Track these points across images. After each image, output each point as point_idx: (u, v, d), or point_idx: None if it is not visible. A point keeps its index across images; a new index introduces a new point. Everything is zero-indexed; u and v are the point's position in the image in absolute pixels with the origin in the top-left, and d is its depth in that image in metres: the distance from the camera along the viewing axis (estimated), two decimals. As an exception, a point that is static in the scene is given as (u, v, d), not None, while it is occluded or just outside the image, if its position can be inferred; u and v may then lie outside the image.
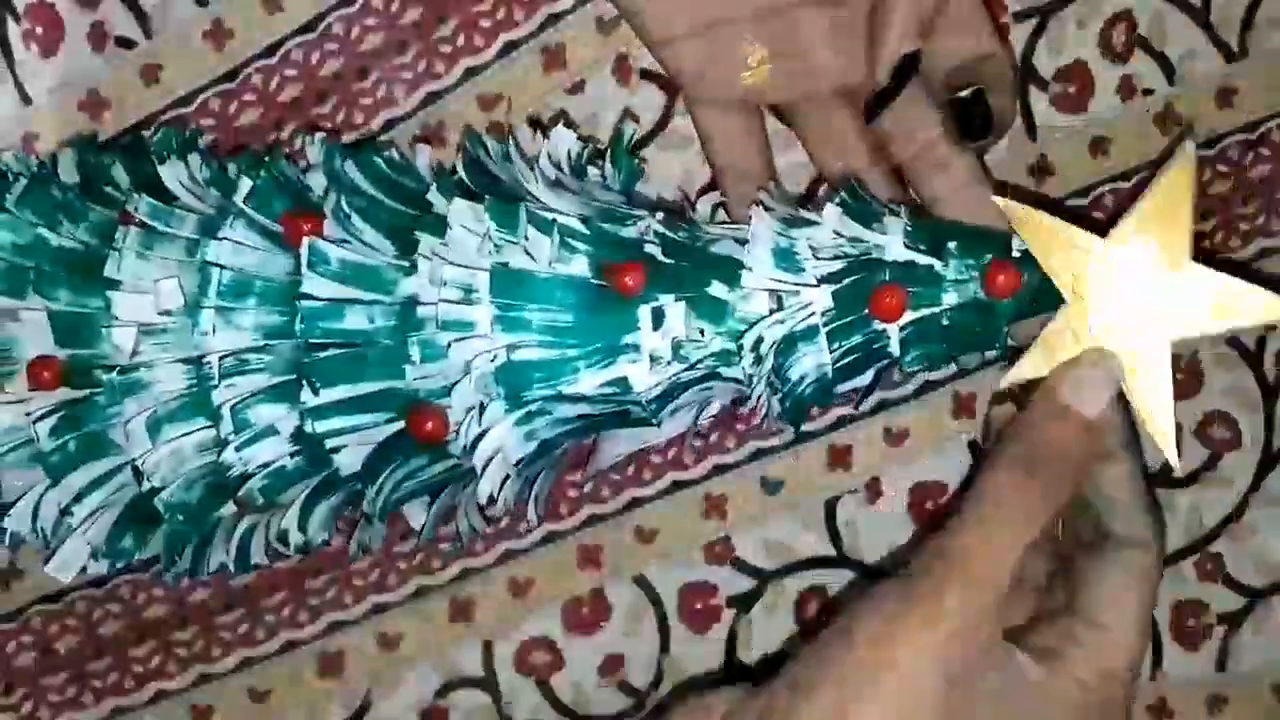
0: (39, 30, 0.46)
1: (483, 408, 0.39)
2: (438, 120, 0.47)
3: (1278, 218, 0.49)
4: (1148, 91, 0.48)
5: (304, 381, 0.39)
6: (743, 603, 0.49)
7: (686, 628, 0.49)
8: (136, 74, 0.46)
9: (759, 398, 0.40)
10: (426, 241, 0.39)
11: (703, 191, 0.47)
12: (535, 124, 0.47)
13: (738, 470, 0.49)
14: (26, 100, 0.46)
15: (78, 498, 0.41)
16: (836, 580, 0.49)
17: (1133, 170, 0.48)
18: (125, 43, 0.46)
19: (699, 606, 0.49)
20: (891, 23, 0.40)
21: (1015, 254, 0.38)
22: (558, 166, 0.43)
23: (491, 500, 0.40)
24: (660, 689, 0.50)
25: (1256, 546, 0.50)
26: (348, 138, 0.47)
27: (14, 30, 0.46)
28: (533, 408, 0.39)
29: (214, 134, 0.46)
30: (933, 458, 0.49)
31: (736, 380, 0.40)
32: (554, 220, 0.39)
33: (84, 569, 0.42)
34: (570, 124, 0.47)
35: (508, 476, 0.40)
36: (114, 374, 0.40)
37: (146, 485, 0.40)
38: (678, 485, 0.49)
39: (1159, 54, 0.48)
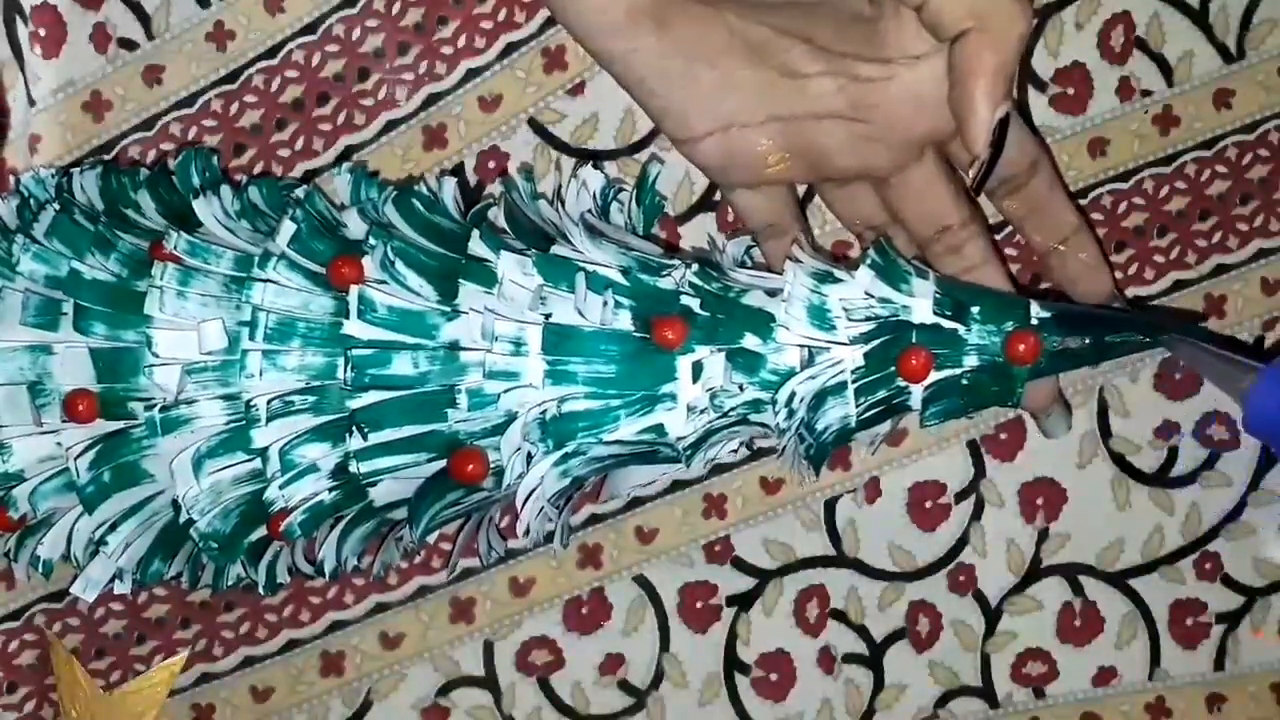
0: (42, 32, 0.46)
1: (529, 456, 0.40)
2: (438, 122, 0.47)
3: (1276, 219, 0.49)
4: (1146, 92, 0.48)
5: (354, 427, 0.40)
6: (743, 602, 0.50)
7: (686, 627, 0.50)
8: (138, 75, 0.46)
9: (786, 446, 0.41)
10: (468, 288, 0.40)
11: (703, 200, 0.48)
12: (537, 127, 0.47)
13: (738, 470, 0.49)
14: (30, 101, 0.46)
15: (112, 526, 0.42)
16: (836, 580, 0.50)
17: (1131, 171, 0.48)
18: (127, 44, 0.46)
19: (699, 606, 0.50)
20: (976, 94, 0.38)
21: (1035, 321, 0.40)
22: (588, 210, 0.44)
23: (526, 532, 0.41)
24: (660, 689, 0.50)
25: (1255, 546, 0.50)
26: (349, 139, 0.47)
27: (23, 32, 0.46)
28: (570, 449, 0.40)
29: (216, 135, 0.47)
30: (932, 458, 0.49)
31: (763, 425, 0.41)
32: (607, 280, 0.40)
33: (110, 588, 0.43)
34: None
35: (541, 510, 0.41)
36: (155, 411, 0.40)
37: (184, 518, 0.41)
38: (678, 485, 0.49)
39: (1157, 55, 0.48)
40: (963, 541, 0.50)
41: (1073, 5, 0.47)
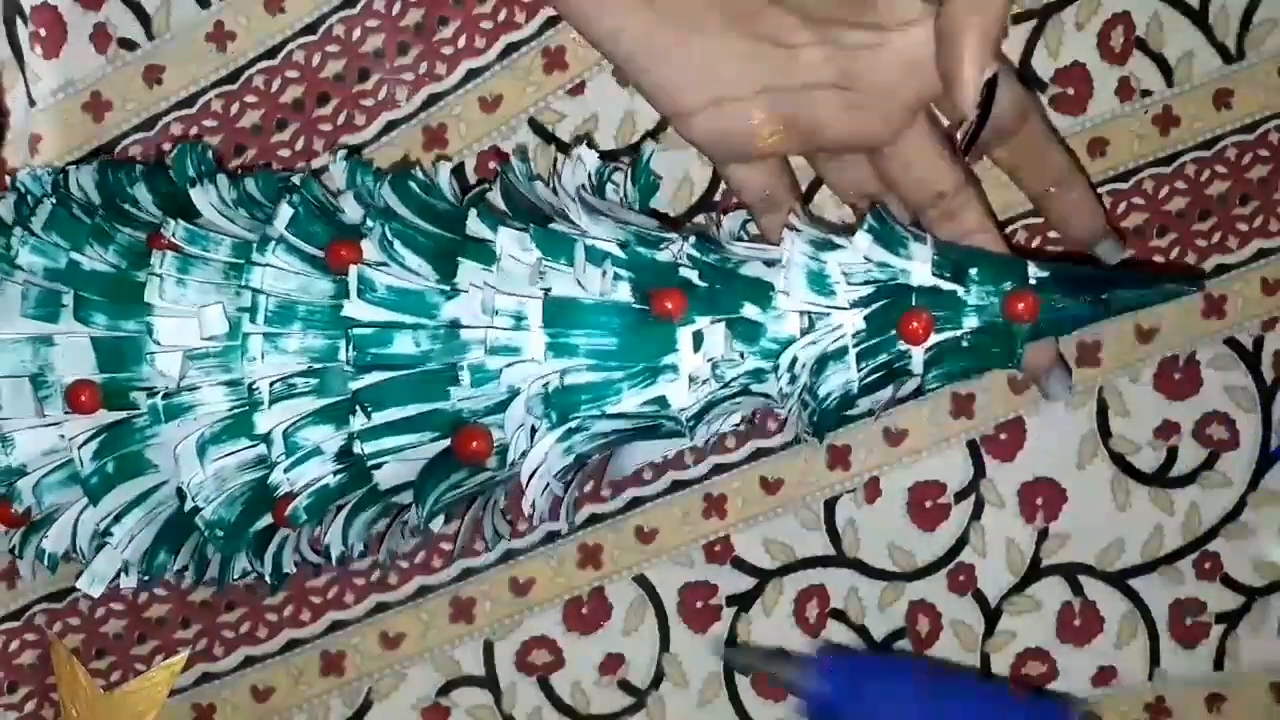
0: (42, 32, 0.46)
1: (533, 430, 0.40)
2: (439, 122, 0.47)
3: (1276, 219, 0.49)
4: (1146, 92, 0.48)
5: (357, 407, 0.40)
6: (743, 602, 0.50)
7: (686, 627, 0.50)
8: (139, 75, 0.46)
9: (790, 413, 0.41)
10: (468, 266, 0.40)
11: (703, 200, 0.48)
12: (537, 127, 0.47)
13: (738, 470, 0.49)
14: (30, 101, 0.46)
15: (117, 518, 0.42)
16: (836, 580, 0.50)
17: (1131, 171, 0.48)
18: (128, 44, 0.46)
19: (699, 606, 0.50)
20: (964, 56, 0.39)
21: (1033, 281, 0.40)
22: (583, 187, 0.44)
23: (531, 508, 0.41)
24: (660, 688, 0.50)
25: (1254, 546, 0.50)
26: (349, 139, 0.47)
27: (23, 32, 0.46)
28: (574, 424, 0.40)
29: (216, 135, 0.47)
30: (932, 458, 0.49)
31: (765, 395, 0.41)
32: (606, 252, 0.40)
33: (116, 584, 0.43)
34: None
35: (546, 486, 0.41)
36: (157, 399, 0.40)
37: (189, 505, 0.41)
38: (678, 485, 0.49)
39: (1157, 55, 0.48)
40: (962, 541, 0.50)
41: (1073, 5, 0.47)
